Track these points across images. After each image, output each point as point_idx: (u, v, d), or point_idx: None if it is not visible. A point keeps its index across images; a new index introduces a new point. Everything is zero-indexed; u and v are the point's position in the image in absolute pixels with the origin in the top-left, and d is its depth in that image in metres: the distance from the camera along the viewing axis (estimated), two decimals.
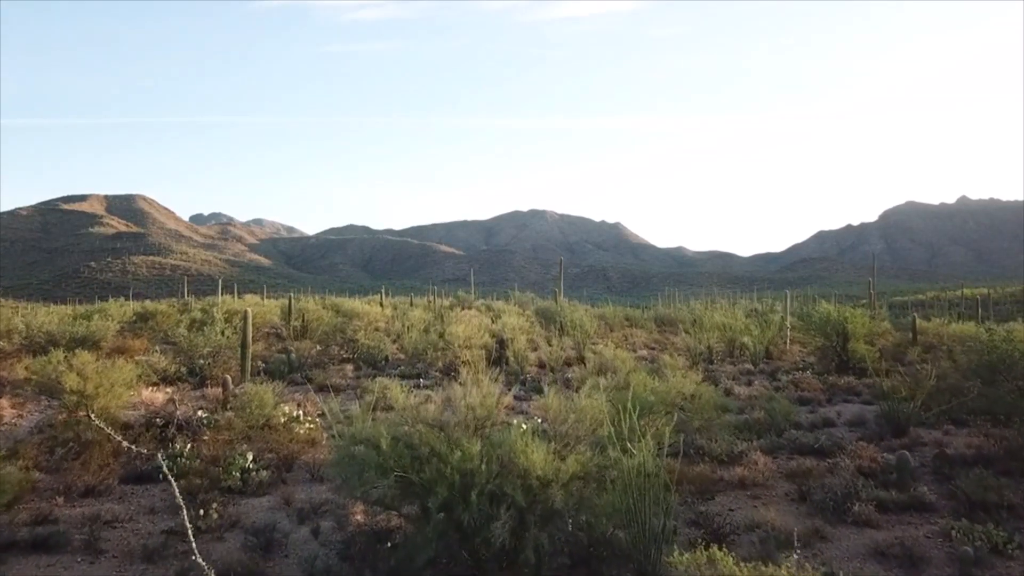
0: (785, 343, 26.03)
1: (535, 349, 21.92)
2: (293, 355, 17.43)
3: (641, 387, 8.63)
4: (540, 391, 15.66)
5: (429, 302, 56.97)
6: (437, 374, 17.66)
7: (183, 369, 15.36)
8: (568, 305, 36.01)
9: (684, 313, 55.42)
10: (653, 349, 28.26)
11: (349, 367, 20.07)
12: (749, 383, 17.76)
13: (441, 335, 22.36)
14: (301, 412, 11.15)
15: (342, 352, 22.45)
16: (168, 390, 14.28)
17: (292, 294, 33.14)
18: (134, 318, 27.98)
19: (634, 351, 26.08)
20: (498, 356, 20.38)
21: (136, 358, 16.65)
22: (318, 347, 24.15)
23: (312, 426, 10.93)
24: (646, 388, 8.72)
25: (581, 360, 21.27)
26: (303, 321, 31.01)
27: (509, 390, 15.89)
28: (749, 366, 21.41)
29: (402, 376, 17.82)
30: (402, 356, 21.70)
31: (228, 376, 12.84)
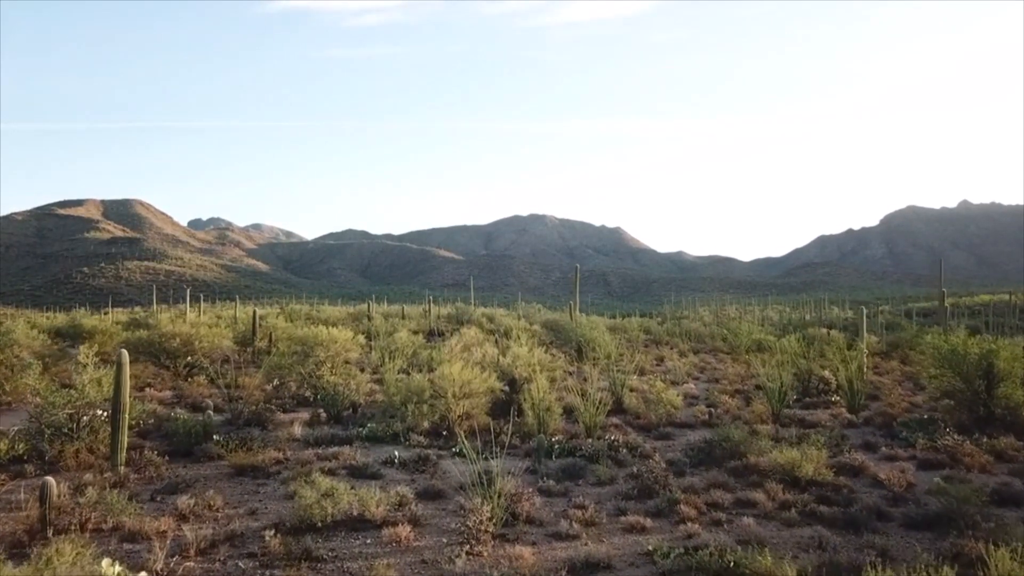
0: (862, 372, 20.61)
1: (552, 379, 16.47)
2: (210, 411, 11.99)
3: None
4: (578, 474, 10.24)
5: (424, 312, 51.49)
6: (421, 438, 12.20)
7: (19, 447, 9.88)
8: (586, 320, 30.60)
9: (700, 323, 49.88)
10: (697, 378, 22.81)
11: (303, 417, 14.65)
12: (872, 449, 12.33)
13: (430, 366, 17.02)
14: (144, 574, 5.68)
15: (303, 390, 17.05)
16: None
17: (255, 308, 27.73)
18: (50, 341, 22.49)
19: (675, 382, 20.58)
20: (507, 401, 14.97)
21: None
22: (276, 382, 18.76)
23: None
24: None
25: (619, 404, 15.82)
26: (270, 342, 25.61)
27: (532, 472, 10.46)
28: (843, 411, 15.96)
29: (371, 438, 12.41)
30: (381, 396, 16.26)
31: (50, 479, 7.42)
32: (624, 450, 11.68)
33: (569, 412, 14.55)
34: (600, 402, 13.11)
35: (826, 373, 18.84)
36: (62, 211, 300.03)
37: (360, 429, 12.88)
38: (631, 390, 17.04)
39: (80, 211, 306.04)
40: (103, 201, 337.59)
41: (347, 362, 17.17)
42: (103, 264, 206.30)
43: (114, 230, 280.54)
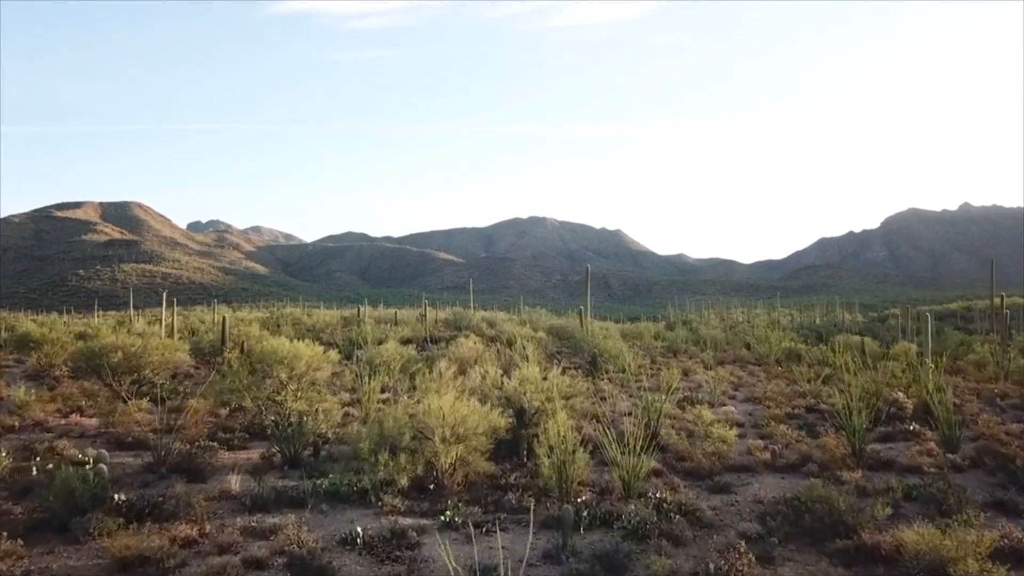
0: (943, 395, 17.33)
1: (571, 407, 13.07)
2: (103, 463, 8.76)
3: None
4: (622, 566, 6.99)
5: (420, 316, 48.26)
6: (398, 501, 8.93)
7: None
8: (600, 329, 27.39)
9: (714, 329, 46.47)
10: (733, 397, 19.57)
11: (253, 459, 11.47)
12: (1006, 509, 9.11)
13: (413, 381, 13.79)
14: None
15: (262, 417, 13.81)
16: None
17: (226, 315, 24.54)
18: None
19: (710, 403, 17.30)
20: (514, 439, 11.74)
21: None
22: (233, 404, 15.55)
23: None
24: None
25: (653, 440, 12.58)
26: (243, 351, 22.41)
27: (554, 560, 7.24)
28: (933, 446, 12.72)
29: (333, 495, 9.18)
30: (357, 424, 13.07)
31: None
32: (677, 515, 8.47)
33: (593, 450, 11.31)
34: (640, 444, 9.86)
35: (899, 395, 15.59)
36: (60, 213, 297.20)
37: (320, 480, 9.65)
38: (668, 419, 13.81)
39: (78, 213, 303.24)
40: (101, 203, 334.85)
41: (314, 383, 13.92)
42: (99, 266, 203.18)
43: (112, 232, 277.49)
